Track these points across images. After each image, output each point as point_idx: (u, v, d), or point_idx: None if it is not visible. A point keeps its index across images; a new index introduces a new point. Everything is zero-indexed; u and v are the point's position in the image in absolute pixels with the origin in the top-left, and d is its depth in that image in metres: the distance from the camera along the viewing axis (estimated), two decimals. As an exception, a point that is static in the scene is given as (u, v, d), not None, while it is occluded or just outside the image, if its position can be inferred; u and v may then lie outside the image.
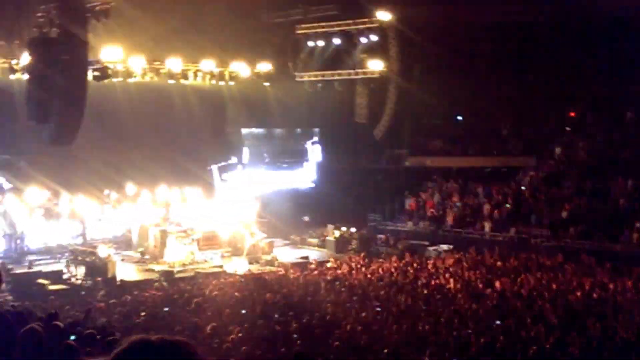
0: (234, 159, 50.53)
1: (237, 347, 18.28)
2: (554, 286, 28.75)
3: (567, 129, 50.82)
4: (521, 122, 51.93)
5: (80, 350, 8.97)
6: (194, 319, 22.49)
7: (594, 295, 26.94)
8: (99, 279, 33.98)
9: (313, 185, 52.50)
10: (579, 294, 27.10)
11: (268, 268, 38.04)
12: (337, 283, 31.06)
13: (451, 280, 30.53)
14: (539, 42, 48.22)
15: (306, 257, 40.51)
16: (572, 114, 52.46)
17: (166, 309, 25.60)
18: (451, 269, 33.56)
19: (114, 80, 40.95)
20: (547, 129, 50.76)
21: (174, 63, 43.17)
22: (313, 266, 36.51)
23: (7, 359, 7.17)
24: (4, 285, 29.46)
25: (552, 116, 50.97)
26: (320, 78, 48.35)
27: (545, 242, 39.89)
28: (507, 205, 44.06)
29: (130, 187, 44.16)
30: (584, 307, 25.07)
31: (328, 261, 38.85)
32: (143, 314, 24.72)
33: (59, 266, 36.45)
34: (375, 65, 46.43)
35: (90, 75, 35.45)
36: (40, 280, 32.94)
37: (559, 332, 20.84)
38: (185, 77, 43.93)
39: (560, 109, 51.51)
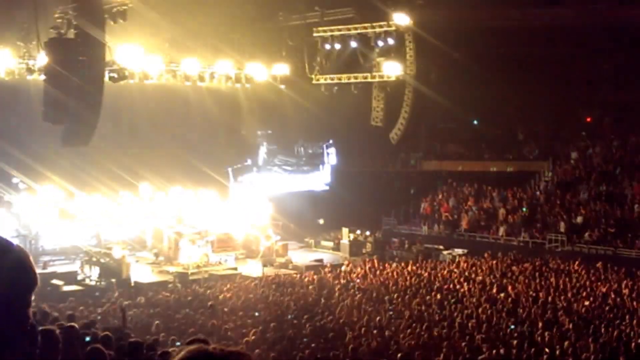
0: (249, 161, 50.63)
1: (251, 349, 18.26)
2: (568, 291, 28.65)
3: (583, 134, 50.65)
4: (537, 127, 51.83)
5: (105, 354, 8.97)
6: (209, 321, 22.49)
7: (609, 300, 26.82)
8: (113, 280, 34.00)
9: (327, 188, 52.46)
10: (593, 299, 27.00)
11: (282, 271, 38.00)
12: (351, 286, 31.03)
13: (465, 284, 30.46)
14: (555, 47, 48.07)
15: (320, 260, 40.48)
16: (588, 119, 52.32)
17: (186, 310, 25.60)
18: (465, 273, 33.50)
19: (131, 81, 41.02)
20: (563, 134, 50.62)
21: (191, 65, 43.23)
22: (327, 269, 36.47)
23: None
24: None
25: (568, 121, 50.80)
26: (336, 81, 48.34)
27: (560, 247, 39.79)
28: (524, 210, 43.97)
29: (145, 188, 44.27)
30: (598, 312, 24.97)
31: (342, 264, 38.81)
32: (157, 320, 24.74)
33: (74, 267, 36.52)
34: (392, 69, 46.37)
35: (107, 76, 35.51)
36: (55, 281, 32.99)
37: (573, 338, 20.75)
38: (202, 79, 43.96)
39: (576, 114, 51.37)
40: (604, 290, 28.62)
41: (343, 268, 36.93)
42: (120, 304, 24.71)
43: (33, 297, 3.17)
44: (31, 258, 3.25)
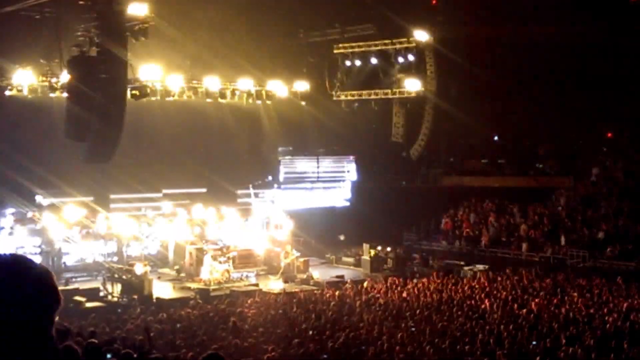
0: (270, 178, 50.73)
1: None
2: (591, 307, 28.52)
3: (604, 149, 50.50)
4: (558, 142, 51.71)
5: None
6: (231, 337, 22.53)
7: (631, 316, 26.67)
8: (135, 296, 34.10)
9: (348, 204, 52.45)
10: (615, 315, 26.84)
11: (303, 287, 37.97)
12: (372, 302, 31.00)
13: (487, 300, 30.36)
14: (576, 63, 47.95)
15: (341, 276, 40.41)
16: (610, 135, 52.15)
17: (208, 327, 25.63)
18: (487, 289, 33.39)
19: (152, 99, 41.25)
20: (584, 150, 50.47)
21: (212, 82, 43.43)
22: (348, 285, 36.43)
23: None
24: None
25: (589, 137, 50.66)
26: (357, 97, 48.48)
27: (582, 263, 39.63)
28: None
29: (166, 205, 44.46)
30: (620, 329, 24.83)
31: (363, 280, 38.77)
32: (179, 336, 24.83)
33: (96, 283, 36.65)
34: (412, 85, 46.44)
35: (128, 93, 35.72)
36: (77, 298, 33.11)
37: (595, 354, 20.66)
38: (223, 96, 44.14)
39: (597, 129, 51.23)
40: (625, 306, 28.45)
41: (364, 284, 36.91)
42: (145, 323, 24.78)
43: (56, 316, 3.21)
44: (54, 276, 3.30)
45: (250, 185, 48.24)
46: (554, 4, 46.60)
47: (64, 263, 39.95)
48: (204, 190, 46.68)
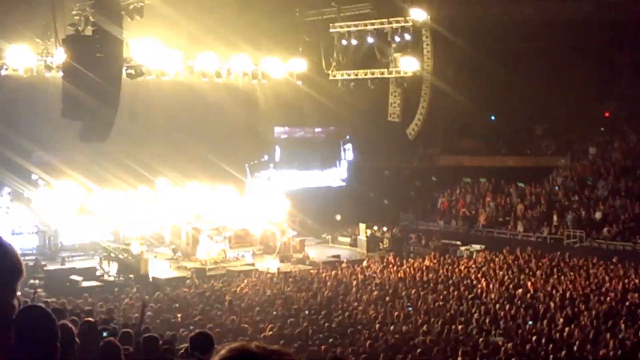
0: (266, 157, 50.66)
1: (269, 345, 18.27)
2: (587, 287, 28.56)
3: (602, 129, 50.44)
4: (555, 122, 51.63)
5: (120, 348, 9.01)
6: (227, 317, 22.56)
7: (627, 296, 26.72)
8: (132, 276, 34.14)
9: (344, 184, 52.42)
10: (612, 295, 26.89)
11: (299, 266, 38.03)
12: (369, 282, 31.04)
13: (483, 280, 30.42)
14: (573, 41, 47.83)
15: (338, 256, 40.50)
16: (607, 114, 52.07)
17: (204, 305, 25.66)
18: (483, 269, 33.44)
19: (148, 78, 41.13)
20: (581, 129, 50.39)
21: (208, 61, 43.27)
22: (344, 265, 36.47)
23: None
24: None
25: (586, 116, 50.56)
26: (353, 77, 48.24)
27: (579, 243, 39.66)
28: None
29: (162, 184, 44.40)
30: (617, 308, 24.87)
31: (360, 260, 38.80)
32: (181, 310, 24.87)
33: (92, 263, 36.65)
34: (409, 65, 46.24)
35: (124, 73, 35.60)
36: (74, 277, 33.13)
37: (592, 334, 20.69)
38: (219, 75, 43.98)
39: (594, 108, 51.14)
40: (622, 286, 28.50)
41: (361, 264, 36.94)
42: (143, 300, 24.77)
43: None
44: (15, 248, 3.29)
45: (247, 165, 48.17)
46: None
47: (61, 242, 39.94)
48: (200, 169, 46.63)
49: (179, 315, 23.95)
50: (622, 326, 21.66)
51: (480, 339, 20.20)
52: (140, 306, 19.80)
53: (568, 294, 27.22)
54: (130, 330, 12.86)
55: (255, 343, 2.85)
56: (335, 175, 52.89)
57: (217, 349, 2.79)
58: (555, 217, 42.32)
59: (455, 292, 28.24)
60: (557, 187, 45.76)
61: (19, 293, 3.41)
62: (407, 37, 45.53)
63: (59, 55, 35.29)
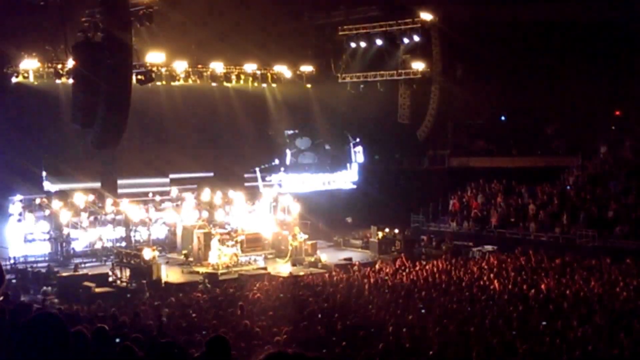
0: (276, 161, 50.70)
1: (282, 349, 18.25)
2: (600, 287, 28.44)
3: (613, 128, 50.30)
4: (566, 122, 51.53)
5: (136, 352, 9.02)
6: (241, 321, 22.53)
7: (641, 295, 26.61)
8: (144, 281, 34.15)
9: (355, 186, 52.39)
10: (625, 294, 26.78)
11: (311, 270, 38.03)
12: (381, 284, 30.98)
13: (495, 281, 30.31)
14: (584, 41, 47.73)
15: (349, 259, 40.45)
16: (618, 113, 51.95)
17: (217, 310, 25.66)
18: (495, 270, 33.33)
19: (158, 83, 41.24)
20: (592, 128, 50.27)
21: (217, 66, 43.36)
22: (356, 268, 36.43)
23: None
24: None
25: (597, 115, 50.46)
26: (362, 79, 48.32)
27: (591, 242, 39.53)
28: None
29: (174, 189, 44.52)
30: (630, 308, 24.76)
31: (372, 262, 38.76)
32: (194, 314, 24.87)
33: (105, 269, 36.69)
34: (418, 66, 46.30)
35: (134, 79, 35.67)
36: (86, 283, 33.16)
37: (606, 334, 20.60)
38: (228, 79, 44.11)
39: (605, 108, 51.02)
40: (635, 285, 28.37)
41: (373, 266, 36.89)
42: (157, 307, 24.79)
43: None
44: None
45: (257, 169, 48.22)
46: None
47: (73, 249, 40.04)
48: (211, 174, 46.75)
49: (194, 316, 23.99)
50: (637, 325, 21.55)
51: (495, 340, 20.13)
52: (156, 316, 19.86)
53: (581, 293, 27.13)
54: (141, 336, 12.87)
55: (292, 349, 2.88)
56: (346, 178, 52.87)
57: (257, 354, 2.82)
58: (568, 217, 42.15)
59: (468, 294, 28.16)
60: (568, 187, 45.61)
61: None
62: (416, 38, 45.59)
63: (69, 61, 35.41)
